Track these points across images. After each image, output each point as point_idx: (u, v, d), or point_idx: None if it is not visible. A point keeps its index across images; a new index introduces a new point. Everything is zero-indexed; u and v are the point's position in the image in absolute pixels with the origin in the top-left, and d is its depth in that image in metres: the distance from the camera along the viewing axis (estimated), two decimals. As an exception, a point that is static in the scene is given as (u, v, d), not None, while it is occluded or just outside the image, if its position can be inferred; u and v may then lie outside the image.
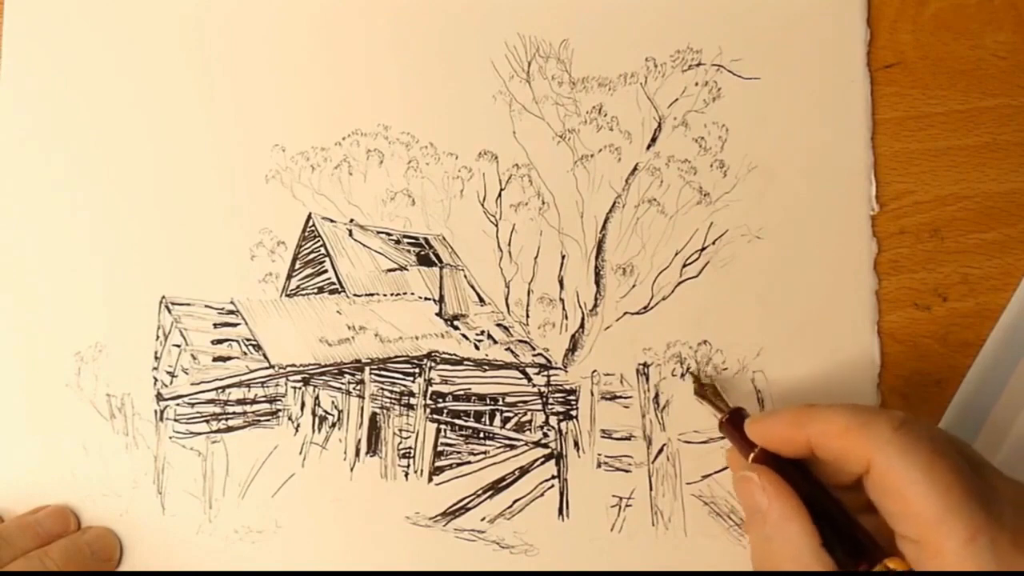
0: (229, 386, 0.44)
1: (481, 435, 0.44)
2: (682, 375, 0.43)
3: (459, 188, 0.45)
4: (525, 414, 0.44)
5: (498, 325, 0.45)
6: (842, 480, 0.36)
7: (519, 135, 0.45)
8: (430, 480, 0.44)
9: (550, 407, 0.44)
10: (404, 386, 0.44)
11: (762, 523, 0.36)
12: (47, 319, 0.45)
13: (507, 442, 0.44)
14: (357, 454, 0.44)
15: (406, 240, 0.45)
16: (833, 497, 0.36)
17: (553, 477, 0.43)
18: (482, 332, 0.45)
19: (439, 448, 0.44)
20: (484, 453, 0.44)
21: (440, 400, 0.44)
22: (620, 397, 0.44)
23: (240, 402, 0.44)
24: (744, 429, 0.39)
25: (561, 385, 0.44)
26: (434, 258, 0.45)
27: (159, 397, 0.44)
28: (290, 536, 0.43)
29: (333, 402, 0.44)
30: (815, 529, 0.35)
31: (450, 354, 0.45)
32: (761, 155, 0.44)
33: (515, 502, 0.43)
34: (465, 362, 0.45)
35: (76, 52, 0.46)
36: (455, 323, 0.45)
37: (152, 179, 0.45)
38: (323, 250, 0.45)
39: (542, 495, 0.43)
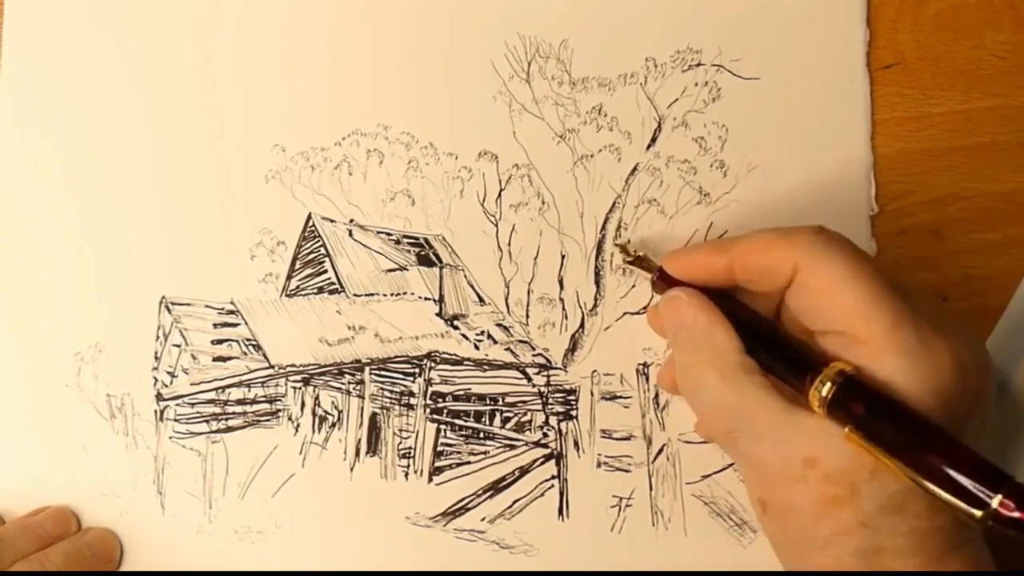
0: (229, 386, 0.44)
1: (481, 435, 0.44)
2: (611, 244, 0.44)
3: (459, 188, 0.45)
4: (525, 414, 0.44)
5: (498, 325, 0.45)
6: (761, 307, 0.38)
7: (519, 135, 0.45)
8: (430, 480, 0.44)
9: (550, 407, 0.44)
10: (404, 386, 0.44)
11: (688, 337, 0.37)
12: (47, 319, 0.45)
13: (507, 442, 0.44)
14: (357, 454, 0.44)
15: (406, 240, 0.45)
16: (765, 319, 0.38)
17: (553, 477, 0.44)
18: (482, 332, 0.45)
19: (439, 448, 0.44)
20: (484, 453, 0.44)
21: (440, 400, 0.44)
22: (620, 397, 0.44)
23: (240, 402, 0.44)
24: (663, 266, 0.40)
25: (561, 385, 0.44)
26: (434, 258, 0.45)
27: (159, 397, 0.44)
28: (290, 536, 0.43)
29: (333, 402, 0.44)
30: (738, 337, 0.36)
31: (450, 354, 0.45)
32: (761, 155, 0.44)
33: (515, 502, 0.43)
34: (465, 362, 0.45)
35: (76, 52, 0.46)
36: (455, 323, 0.45)
37: (152, 179, 0.45)
38: (323, 250, 0.45)
39: (542, 495, 0.43)
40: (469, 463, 0.44)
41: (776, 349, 0.36)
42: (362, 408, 0.44)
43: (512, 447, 0.44)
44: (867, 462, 0.32)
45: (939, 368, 0.32)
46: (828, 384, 0.33)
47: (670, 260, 0.40)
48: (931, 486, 0.31)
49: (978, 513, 0.30)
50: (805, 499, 0.34)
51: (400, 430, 0.44)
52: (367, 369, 0.44)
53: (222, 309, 0.45)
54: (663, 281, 0.40)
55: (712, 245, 0.39)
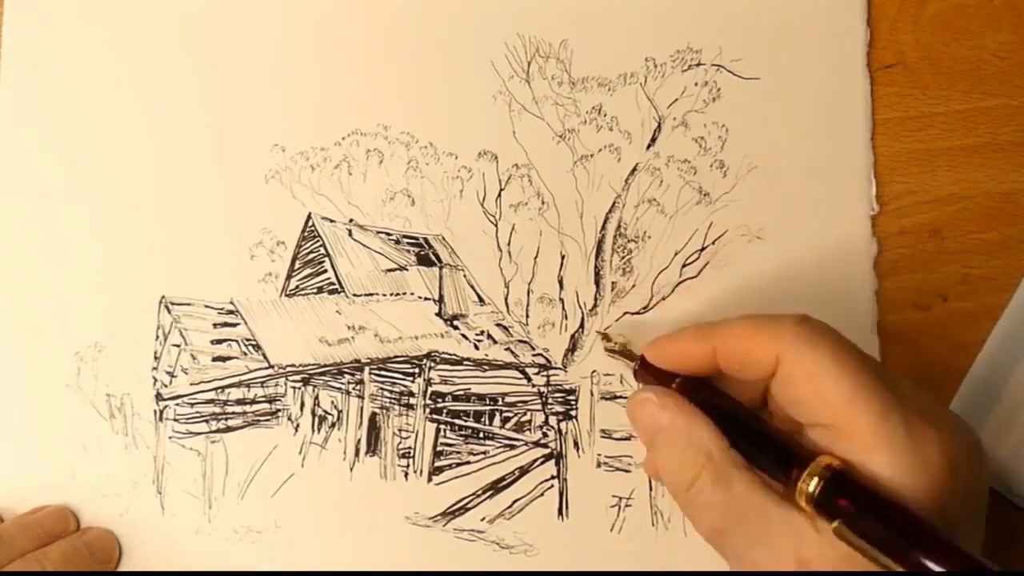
0: (229, 386, 0.44)
1: (481, 435, 0.44)
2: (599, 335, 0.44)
3: (459, 188, 0.45)
4: (525, 414, 0.44)
5: (498, 325, 0.45)
6: (748, 393, 0.37)
7: (519, 135, 0.45)
8: (430, 480, 0.44)
9: (550, 407, 0.44)
10: (404, 386, 0.44)
11: (666, 440, 0.36)
12: (47, 319, 0.45)
13: (507, 442, 0.44)
14: (357, 454, 0.44)
15: (406, 240, 0.45)
16: (748, 410, 0.36)
17: (553, 477, 0.44)
18: (482, 332, 0.45)
19: (439, 448, 0.44)
20: (484, 453, 0.44)
21: (440, 400, 0.44)
22: (620, 397, 0.44)
23: (240, 402, 0.44)
24: (644, 355, 0.39)
25: (561, 385, 0.44)
26: (434, 258, 0.45)
27: (159, 397, 0.44)
28: (290, 536, 0.43)
29: (333, 402, 0.44)
30: (721, 432, 0.35)
31: (450, 354, 0.45)
32: (761, 155, 0.44)
33: (515, 502, 0.43)
34: (465, 362, 0.45)
35: (76, 51, 0.46)
36: (455, 323, 0.45)
37: (152, 179, 0.45)
38: (323, 250, 0.45)
39: (542, 495, 0.43)
40: (469, 463, 0.44)
41: (760, 442, 0.35)
42: (362, 408, 0.44)
43: (512, 447, 0.44)
44: (862, 562, 0.31)
45: (929, 464, 0.31)
46: (815, 479, 0.32)
47: (651, 349, 0.39)
48: None
49: None
50: None
51: (400, 430, 0.44)
52: (367, 369, 0.44)
53: (222, 309, 0.45)
54: (644, 370, 0.39)
55: (694, 332, 0.37)
